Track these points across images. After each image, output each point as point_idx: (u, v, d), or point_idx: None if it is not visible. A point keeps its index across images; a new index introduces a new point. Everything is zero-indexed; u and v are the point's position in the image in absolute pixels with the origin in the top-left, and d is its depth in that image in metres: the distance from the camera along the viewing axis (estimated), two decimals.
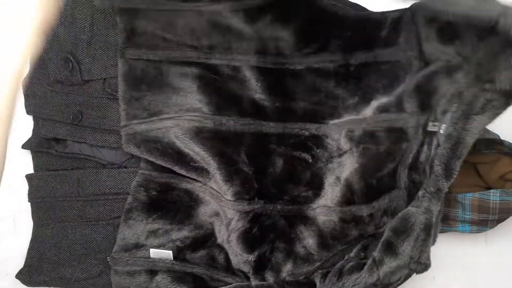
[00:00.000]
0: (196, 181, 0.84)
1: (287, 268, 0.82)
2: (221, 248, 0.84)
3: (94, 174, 0.87)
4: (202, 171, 0.83)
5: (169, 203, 0.84)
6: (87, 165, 0.89)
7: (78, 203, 0.88)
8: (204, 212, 0.85)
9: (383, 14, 0.80)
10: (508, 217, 0.85)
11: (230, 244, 0.83)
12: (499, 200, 0.82)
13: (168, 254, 0.82)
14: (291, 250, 0.83)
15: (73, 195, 0.88)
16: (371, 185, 0.81)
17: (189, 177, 0.83)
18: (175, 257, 0.83)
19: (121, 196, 0.85)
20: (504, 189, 0.82)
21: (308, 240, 0.82)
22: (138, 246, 0.83)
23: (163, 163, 0.82)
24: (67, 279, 0.87)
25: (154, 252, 0.83)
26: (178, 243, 0.83)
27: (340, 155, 0.82)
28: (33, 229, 0.91)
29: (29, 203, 0.91)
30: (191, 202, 0.84)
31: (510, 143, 0.84)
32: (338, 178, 0.82)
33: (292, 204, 0.83)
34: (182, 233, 0.83)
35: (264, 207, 0.83)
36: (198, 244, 0.84)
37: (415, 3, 0.77)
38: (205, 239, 0.84)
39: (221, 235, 0.84)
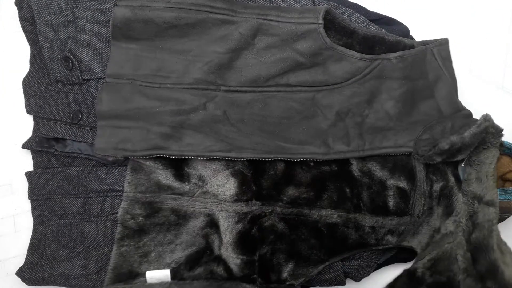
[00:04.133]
0: (183, 195, 0.83)
1: (288, 268, 0.82)
2: (218, 260, 0.83)
3: (94, 172, 0.87)
4: (195, 178, 0.83)
5: (157, 225, 0.83)
6: (87, 164, 0.89)
7: (77, 200, 0.88)
8: (194, 226, 0.83)
9: None
10: (508, 217, 0.85)
11: (229, 248, 0.82)
12: (499, 199, 0.81)
13: (165, 274, 0.81)
14: (292, 251, 0.83)
15: (72, 192, 0.88)
16: (377, 198, 0.82)
17: (174, 192, 0.83)
18: (172, 278, 0.82)
19: (120, 193, 0.85)
20: (504, 188, 0.82)
21: (310, 241, 0.82)
22: (132, 275, 0.82)
23: (156, 165, 0.82)
24: (66, 276, 0.87)
25: (150, 276, 0.81)
26: (173, 264, 0.82)
27: (344, 163, 0.83)
28: (33, 227, 0.91)
29: (29, 200, 0.91)
30: (179, 220, 0.83)
31: (509, 143, 0.84)
32: (342, 182, 0.82)
33: (292, 207, 0.83)
34: (176, 255, 0.82)
35: (261, 209, 0.83)
36: (193, 261, 0.82)
37: None
38: (199, 255, 0.83)
39: (217, 244, 0.83)
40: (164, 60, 0.81)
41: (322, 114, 0.81)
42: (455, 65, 0.84)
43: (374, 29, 0.85)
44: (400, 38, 0.81)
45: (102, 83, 0.83)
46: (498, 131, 0.77)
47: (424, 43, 0.82)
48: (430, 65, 0.79)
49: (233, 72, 0.81)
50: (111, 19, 0.79)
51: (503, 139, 0.85)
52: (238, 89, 0.81)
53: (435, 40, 0.81)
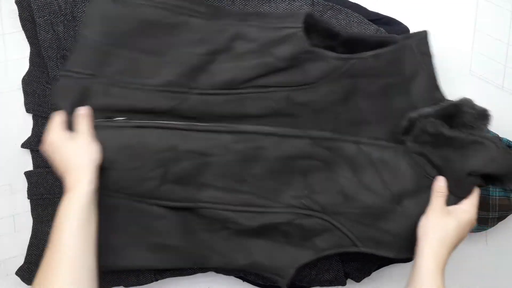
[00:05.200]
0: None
1: None
2: None
3: None
4: None
5: None
6: None
7: None
8: None
9: None
10: (508, 215, 0.85)
11: None
12: (499, 196, 0.81)
13: None
14: None
15: None
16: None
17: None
18: None
19: None
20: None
21: None
22: None
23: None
24: None
25: None
26: None
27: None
28: (32, 226, 0.91)
29: (29, 200, 0.91)
30: None
31: (508, 140, 0.84)
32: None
33: None
34: None
35: None
36: None
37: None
38: None
39: None
40: (135, 59, 0.79)
41: (297, 111, 0.80)
42: (455, 65, 0.84)
43: (372, 28, 0.85)
44: (386, 37, 0.80)
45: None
46: (480, 112, 0.73)
47: (406, 37, 0.80)
48: (409, 61, 0.78)
49: (208, 75, 0.79)
50: (86, 8, 0.77)
51: (503, 135, 0.85)
52: (211, 91, 0.79)
53: (415, 34, 0.79)
